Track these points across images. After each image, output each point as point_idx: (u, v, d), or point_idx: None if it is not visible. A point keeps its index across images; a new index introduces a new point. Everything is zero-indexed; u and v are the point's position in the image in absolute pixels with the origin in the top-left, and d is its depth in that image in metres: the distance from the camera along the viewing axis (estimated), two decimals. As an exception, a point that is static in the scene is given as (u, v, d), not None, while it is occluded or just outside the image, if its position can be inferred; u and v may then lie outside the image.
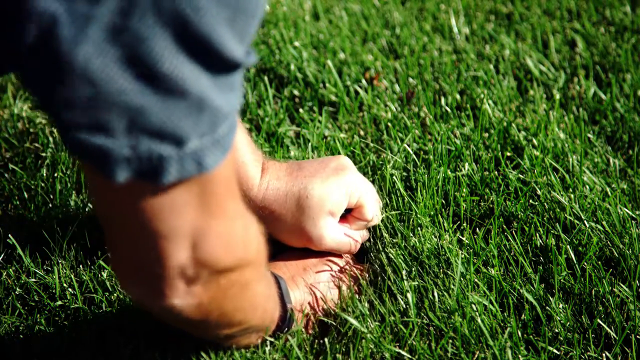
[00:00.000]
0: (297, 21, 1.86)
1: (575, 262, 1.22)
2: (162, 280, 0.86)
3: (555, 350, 1.11)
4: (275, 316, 1.09)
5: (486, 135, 1.50)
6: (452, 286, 1.17)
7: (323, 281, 1.18)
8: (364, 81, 1.66)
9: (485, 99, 1.55)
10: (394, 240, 1.26)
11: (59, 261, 1.26)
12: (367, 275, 1.22)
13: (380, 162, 1.42)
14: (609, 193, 1.34)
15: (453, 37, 1.82)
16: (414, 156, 1.42)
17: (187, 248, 0.85)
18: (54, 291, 1.23)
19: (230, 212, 0.87)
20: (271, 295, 1.07)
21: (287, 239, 1.22)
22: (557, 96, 1.59)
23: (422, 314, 1.15)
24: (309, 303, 1.16)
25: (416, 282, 1.19)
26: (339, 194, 1.20)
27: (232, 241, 0.89)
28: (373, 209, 1.24)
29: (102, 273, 1.24)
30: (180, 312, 0.90)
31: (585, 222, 1.28)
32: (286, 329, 1.12)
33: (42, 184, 1.40)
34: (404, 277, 1.19)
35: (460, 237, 1.27)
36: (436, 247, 1.24)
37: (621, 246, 1.24)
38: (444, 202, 1.35)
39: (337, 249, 1.22)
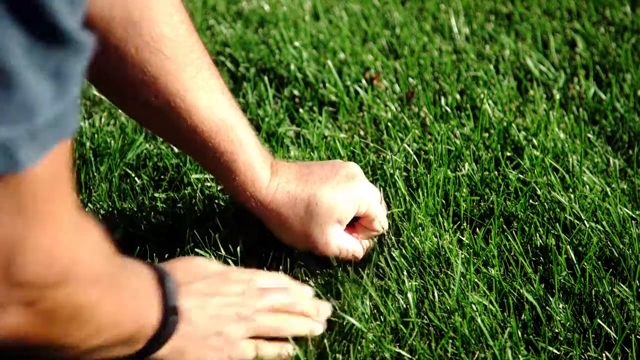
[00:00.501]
0: (297, 21, 1.86)
1: (575, 262, 1.22)
2: None
3: (555, 350, 1.11)
4: (147, 320, 0.95)
5: (486, 135, 1.50)
6: (452, 286, 1.17)
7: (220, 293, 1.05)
8: (364, 81, 1.66)
9: (485, 99, 1.56)
10: (400, 239, 1.26)
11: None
12: (366, 276, 1.22)
13: (380, 162, 1.42)
14: (609, 193, 1.34)
15: (453, 37, 1.82)
16: (414, 156, 1.43)
17: None
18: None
19: (57, 221, 0.73)
20: (136, 302, 0.93)
21: (292, 241, 1.22)
22: (557, 96, 1.59)
23: (422, 314, 1.16)
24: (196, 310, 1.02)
25: (417, 282, 1.19)
26: (348, 203, 1.19)
27: (54, 256, 0.74)
28: (383, 221, 1.24)
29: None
30: (8, 334, 0.76)
31: (585, 222, 1.28)
32: (165, 337, 0.98)
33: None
34: (405, 277, 1.19)
35: (461, 237, 1.28)
36: (436, 247, 1.24)
37: (621, 246, 1.24)
38: (444, 202, 1.35)
39: (340, 256, 1.22)
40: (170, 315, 0.98)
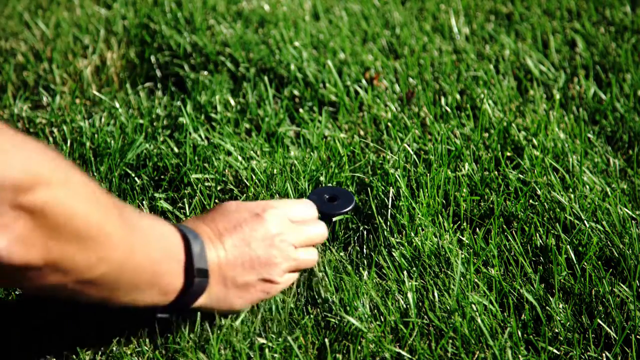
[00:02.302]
0: (297, 21, 1.86)
1: (575, 262, 1.22)
2: None
3: (555, 350, 1.11)
4: (169, 279, 1.01)
5: (486, 135, 1.50)
6: (452, 286, 1.17)
7: (258, 238, 1.09)
8: (364, 81, 1.66)
9: (485, 99, 1.55)
10: (399, 240, 1.26)
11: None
12: (367, 275, 1.22)
13: (380, 162, 1.42)
14: (609, 193, 1.34)
15: (453, 37, 1.82)
16: (414, 156, 1.42)
17: None
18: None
19: None
20: (148, 241, 0.98)
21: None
22: (557, 96, 1.59)
23: (422, 314, 1.15)
24: (243, 262, 1.07)
25: (417, 282, 1.19)
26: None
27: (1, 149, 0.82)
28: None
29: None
30: (8, 254, 0.84)
31: (585, 222, 1.28)
32: (192, 297, 1.04)
33: (42, 184, 1.40)
34: (405, 277, 1.19)
35: (461, 237, 1.27)
36: (436, 247, 1.24)
37: (621, 246, 1.24)
38: (444, 202, 1.35)
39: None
40: (196, 277, 1.02)
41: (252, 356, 1.11)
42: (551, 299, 1.17)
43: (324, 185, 1.38)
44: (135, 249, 0.97)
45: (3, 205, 0.83)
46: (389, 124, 1.53)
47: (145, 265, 0.99)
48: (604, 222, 1.28)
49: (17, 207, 0.84)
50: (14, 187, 0.83)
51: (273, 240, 1.11)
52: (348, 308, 1.16)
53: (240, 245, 1.08)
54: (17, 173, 0.84)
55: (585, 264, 1.22)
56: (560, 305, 1.16)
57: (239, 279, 1.09)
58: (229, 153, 1.46)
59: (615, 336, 1.13)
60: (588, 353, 1.11)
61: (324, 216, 1.25)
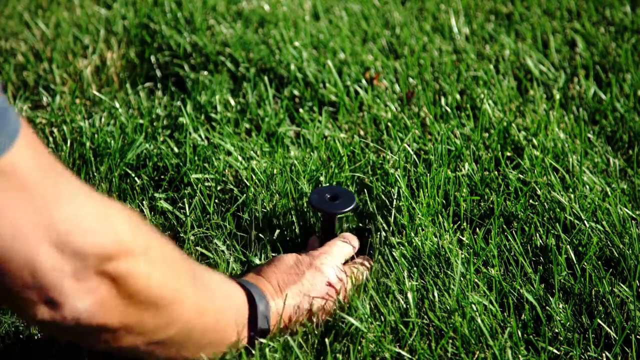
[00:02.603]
0: (297, 21, 1.86)
1: (575, 262, 1.22)
2: (47, 290, 0.84)
3: (555, 350, 1.11)
4: (233, 337, 1.07)
5: (486, 135, 1.50)
6: (452, 286, 1.17)
7: (317, 286, 1.16)
8: (364, 81, 1.66)
9: (485, 99, 1.56)
10: (399, 240, 1.26)
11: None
12: (369, 274, 1.22)
13: (380, 162, 1.42)
14: (609, 193, 1.34)
15: (453, 37, 1.82)
16: (414, 156, 1.42)
17: (45, 243, 0.83)
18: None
19: (69, 193, 0.85)
20: (217, 304, 1.05)
21: None
22: (557, 96, 1.59)
23: (422, 314, 1.16)
24: (299, 307, 1.15)
25: (417, 282, 1.19)
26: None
27: (90, 223, 0.86)
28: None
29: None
30: (89, 317, 0.88)
31: (585, 222, 1.28)
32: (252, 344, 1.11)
33: (42, 184, 1.40)
34: (405, 277, 1.19)
35: (461, 237, 1.27)
36: (436, 247, 1.24)
37: (621, 246, 1.24)
38: (444, 202, 1.35)
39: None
40: (257, 335, 1.09)
41: (253, 354, 1.11)
42: (551, 299, 1.17)
43: (323, 185, 1.38)
44: (205, 312, 1.02)
45: (89, 271, 0.87)
46: (389, 124, 1.53)
47: (213, 326, 1.04)
48: (604, 222, 1.28)
49: (101, 273, 0.88)
50: (102, 256, 0.87)
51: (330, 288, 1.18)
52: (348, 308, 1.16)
53: (299, 295, 1.15)
54: (107, 242, 0.88)
55: (585, 264, 1.22)
56: (560, 305, 1.16)
57: (298, 318, 1.15)
58: (229, 153, 1.46)
59: (615, 336, 1.13)
60: (588, 353, 1.11)
61: (326, 215, 1.25)
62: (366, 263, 1.23)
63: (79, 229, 0.85)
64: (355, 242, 1.25)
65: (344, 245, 1.23)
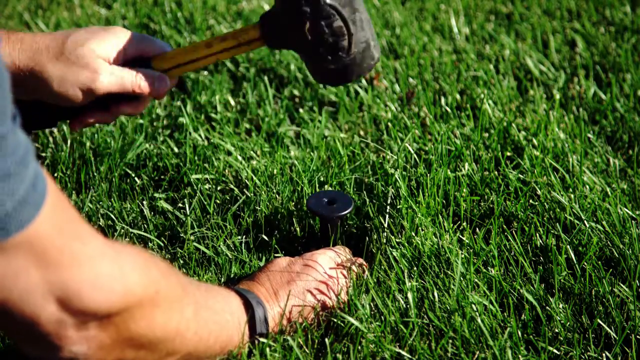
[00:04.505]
0: (297, 21, 1.86)
1: (575, 262, 1.22)
2: (48, 336, 0.87)
3: (555, 350, 1.11)
4: (233, 348, 1.09)
5: (486, 135, 1.50)
6: (452, 286, 1.17)
7: (310, 289, 1.17)
8: (364, 81, 1.66)
9: (485, 99, 1.56)
10: (399, 240, 1.26)
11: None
12: (369, 274, 1.22)
13: (380, 162, 1.42)
14: (609, 193, 1.34)
15: (453, 37, 1.82)
16: (414, 156, 1.42)
17: (53, 303, 0.85)
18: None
19: (84, 255, 0.87)
20: (218, 322, 1.06)
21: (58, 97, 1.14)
22: (557, 96, 1.59)
23: (422, 314, 1.16)
24: (295, 308, 1.15)
25: (417, 282, 1.19)
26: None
27: (102, 283, 0.88)
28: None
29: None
30: (86, 358, 0.90)
31: (585, 222, 1.28)
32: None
33: (42, 184, 1.40)
34: (405, 277, 1.19)
35: (461, 237, 1.27)
36: (436, 247, 1.24)
37: (621, 246, 1.24)
38: (444, 202, 1.35)
39: (120, 84, 1.14)
40: (256, 338, 1.10)
41: (253, 354, 1.11)
42: (551, 299, 1.17)
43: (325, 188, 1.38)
44: (207, 336, 1.03)
45: (92, 323, 0.89)
46: (389, 124, 1.53)
47: (213, 344, 1.05)
48: (604, 222, 1.28)
49: (105, 324, 0.90)
50: (110, 312, 0.89)
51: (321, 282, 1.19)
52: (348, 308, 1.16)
53: (294, 296, 1.15)
54: (116, 300, 0.89)
55: (585, 264, 1.22)
56: (560, 305, 1.16)
57: (295, 319, 1.16)
58: (229, 153, 1.46)
59: (615, 336, 1.13)
60: (588, 353, 1.11)
61: (324, 219, 1.25)
62: (361, 261, 1.23)
63: (89, 290, 0.87)
64: (347, 251, 1.24)
65: (336, 249, 1.23)
